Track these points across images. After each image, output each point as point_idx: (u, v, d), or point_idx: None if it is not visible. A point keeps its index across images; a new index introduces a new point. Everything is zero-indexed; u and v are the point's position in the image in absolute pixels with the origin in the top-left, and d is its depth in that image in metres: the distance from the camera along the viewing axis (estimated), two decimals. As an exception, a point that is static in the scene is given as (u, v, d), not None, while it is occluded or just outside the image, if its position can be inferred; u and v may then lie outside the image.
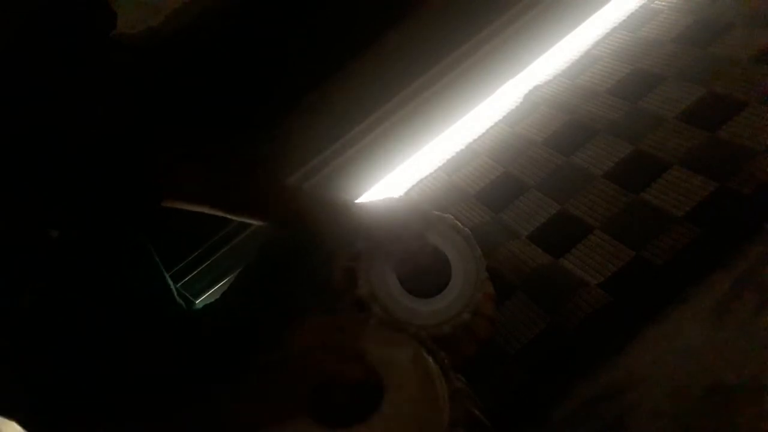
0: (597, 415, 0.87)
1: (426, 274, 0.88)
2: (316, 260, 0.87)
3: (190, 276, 1.27)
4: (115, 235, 0.78)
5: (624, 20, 1.46)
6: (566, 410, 0.89)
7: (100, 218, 0.75)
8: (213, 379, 0.66)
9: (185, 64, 1.11)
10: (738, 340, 0.86)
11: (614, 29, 1.46)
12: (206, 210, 0.91)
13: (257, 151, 1.21)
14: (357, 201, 0.92)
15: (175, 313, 0.87)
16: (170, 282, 0.90)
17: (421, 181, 1.42)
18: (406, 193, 1.41)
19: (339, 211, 0.88)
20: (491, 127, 1.43)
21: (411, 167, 1.43)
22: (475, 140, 1.43)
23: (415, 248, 0.87)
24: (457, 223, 0.92)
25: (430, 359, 0.68)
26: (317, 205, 0.89)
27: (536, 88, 1.45)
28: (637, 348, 0.91)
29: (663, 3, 1.44)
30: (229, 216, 0.93)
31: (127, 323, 0.74)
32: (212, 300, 1.00)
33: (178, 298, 0.90)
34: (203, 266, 1.28)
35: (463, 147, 1.43)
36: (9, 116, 0.67)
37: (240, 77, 1.19)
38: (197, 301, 1.26)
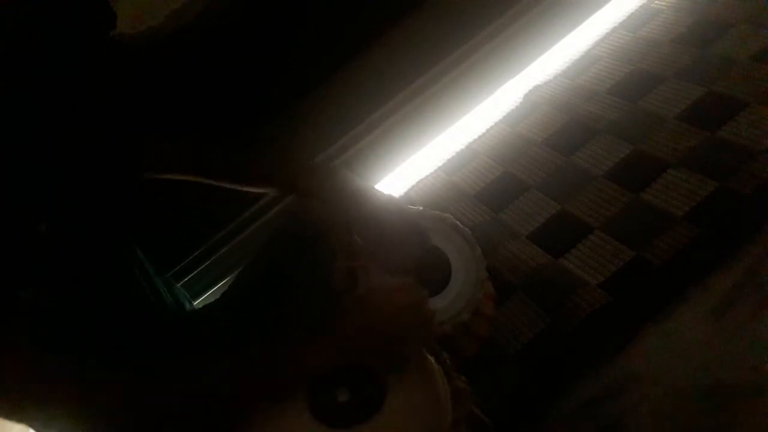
0: (597, 415, 0.87)
1: (426, 274, 0.88)
2: (316, 260, 0.87)
3: (190, 276, 1.27)
4: (98, 239, 0.77)
5: (624, 20, 1.47)
6: (566, 410, 0.89)
7: (89, 211, 0.75)
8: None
9: (185, 64, 1.11)
10: (738, 340, 0.86)
11: (614, 29, 1.46)
12: (193, 177, 0.90)
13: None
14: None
15: (163, 317, 0.85)
16: (160, 285, 0.88)
17: (421, 181, 1.42)
18: (406, 194, 1.41)
19: (354, 192, 0.86)
20: (491, 127, 1.43)
21: (411, 167, 1.43)
22: (475, 140, 1.43)
23: (415, 248, 0.87)
24: (457, 223, 0.91)
25: (432, 359, 0.68)
26: (333, 181, 0.87)
27: (536, 88, 1.45)
28: (637, 348, 0.91)
29: (663, 3, 1.44)
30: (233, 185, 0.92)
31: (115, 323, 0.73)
32: (212, 300, 0.99)
33: (169, 298, 0.89)
34: (203, 266, 1.28)
35: (463, 147, 1.43)
36: (8, 116, 0.67)
37: (238, 78, 1.19)
38: (196, 302, 1.26)
